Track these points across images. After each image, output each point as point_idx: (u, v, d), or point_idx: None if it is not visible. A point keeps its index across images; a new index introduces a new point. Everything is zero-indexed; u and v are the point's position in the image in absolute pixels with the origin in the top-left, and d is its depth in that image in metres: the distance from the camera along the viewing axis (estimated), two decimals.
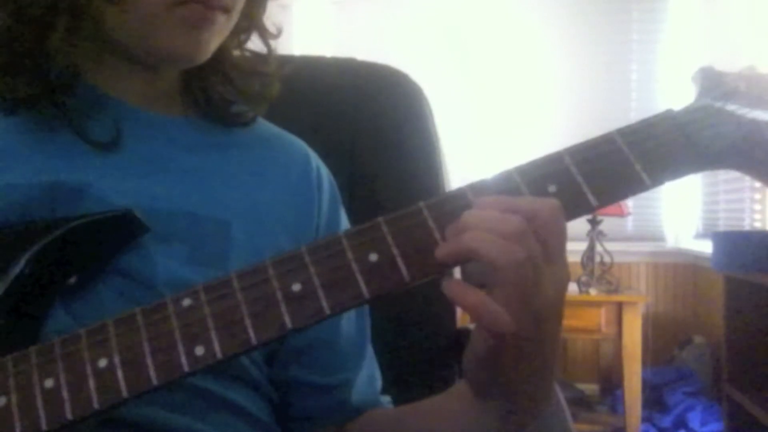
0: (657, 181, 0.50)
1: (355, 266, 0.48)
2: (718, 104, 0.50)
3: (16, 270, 0.55)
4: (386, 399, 0.76)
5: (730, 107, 0.50)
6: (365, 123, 0.95)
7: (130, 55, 0.64)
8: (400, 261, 0.49)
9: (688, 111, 0.51)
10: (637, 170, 0.49)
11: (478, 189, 0.50)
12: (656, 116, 0.51)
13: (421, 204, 0.50)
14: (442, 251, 0.48)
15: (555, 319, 0.50)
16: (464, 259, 0.47)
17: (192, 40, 0.62)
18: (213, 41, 0.64)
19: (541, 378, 0.53)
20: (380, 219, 0.50)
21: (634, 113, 3.68)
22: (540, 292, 0.47)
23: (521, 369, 0.51)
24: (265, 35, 0.73)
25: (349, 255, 0.49)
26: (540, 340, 0.49)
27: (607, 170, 0.50)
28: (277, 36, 0.74)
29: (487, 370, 0.52)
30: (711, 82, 0.52)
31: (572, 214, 0.49)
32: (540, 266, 0.47)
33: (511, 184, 0.50)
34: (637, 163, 0.49)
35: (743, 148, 0.50)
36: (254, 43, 0.74)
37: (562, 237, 0.48)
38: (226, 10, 0.63)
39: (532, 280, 0.46)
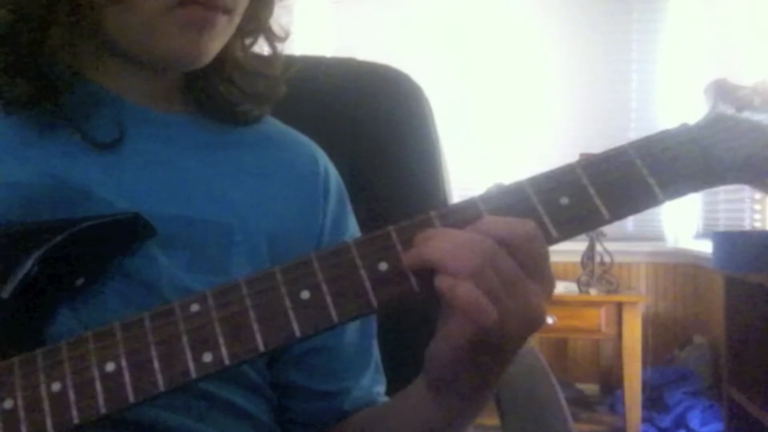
0: (670, 195, 0.49)
1: (364, 275, 0.48)
2: (733, 120, 0.50)
3: (23, 271, 0.55)
4: (382, 401, 0.75)
5: (746, 123, 0.50)
6: (365, 123, 0.95)
7: (131, 56, 0.64)
8: (408, 270, 0.49)
9: (703, 125, 0.51)
10: (651, 184, 0.49)
11: (488, 200, 0.50)
12: (670, 130, 0.51)
13: (432, 213, 0.50)
14: (406, 259, 0.49)
15: (530, 332, 0.50)
16: (427, 267, 0.48)
17: (192, 42, 0.62)
18: (214, 43, 0.63)
19: (497, 376, 0.54)
20: (390, 228, 0.50)
21: (633, 114, 3.68)
22: (524, 304, 0.47)
23: (487, 365, 0.52)
24: (271, 38, 0.73)
25: (358, 263, 0.49)
26: (525, 337, 0.50)
27: (620, 184, 0.49)
28: (284, 39, 0.74)
29: (454, 364, 0.51)
30: (725, 95, 0.52)
31: (585, 227, 0.49)
32: (519, 281, 0.47)
33: (522, 195, 0.49)
34: (651, 177, 0.49)
35: (759, 164, 0.49)
36: (259, 45, 0.74)
37: (540, 257, 0.48)
38: (227, 12, 0.62)
39: (500, 290, 0.46)
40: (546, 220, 0.49)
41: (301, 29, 3.77)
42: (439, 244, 0.48)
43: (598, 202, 0.49)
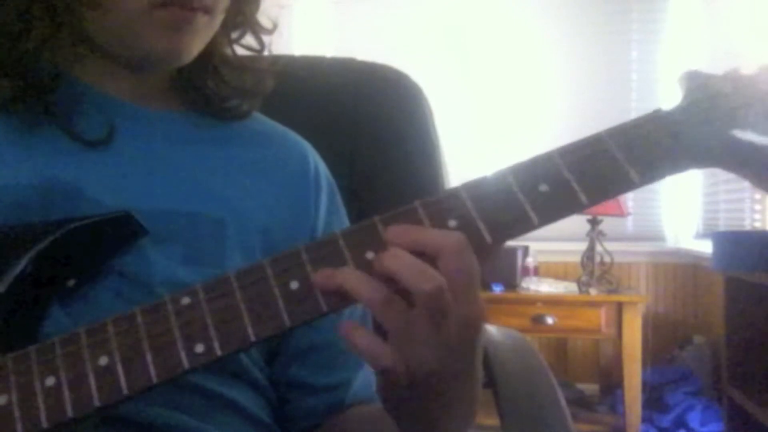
0: (645, 179, 0.50)
1: (351, 264, 0.49)
2: (704, 105, 0.51)
3: (15, 271, 0.55)
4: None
5: (716, 108, 0.51)
6: (365, 123, 0.95)
7: (113, 55, 0.64)
8: None
9: (675, 111, 0.52)
10: (626, 169, 0.50)
11: (471, 188, 0.51)
12: (644, 116, 0.52)
13: (417, 203, 0.50)
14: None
15: (467, 357, 0.50)
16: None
17: (172, 42, 0.62)
18: (195, 43, 0.64)
19: (458, 409, 0.53)
20: (376, 218, 0.50)
21: (634, 113, 3.59)
22: (442, 331, 0.47)
23: (432, 402, 0.51)
24: (257, 33, 0.73)
25: (346, 254, 0.49)
26: (451, 375, 0.50)
27: (596, 169, 0.50)
28: (271, 32, 0.74)
29: (396, 401, 0.52)
30: (697, 84, 0.53)
31: (565, 213, 0.50)
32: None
33: (503, 184, 0.50)
34: (626, 162, 0.50)
35: (729, 148, 0.50)
36: (251, 40, 0.74)
37: (468, 274, 0.47)
38: (208, 11, 0.62)
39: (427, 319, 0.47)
40: (527, 207, 0.50)
41: (301, 29, 3.77)
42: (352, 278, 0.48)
43: (576, 187, 0.50)
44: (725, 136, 0.50)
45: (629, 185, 0.50)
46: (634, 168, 0.50)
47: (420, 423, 0.54)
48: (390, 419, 0.58)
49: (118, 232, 0.59)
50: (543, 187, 0.50)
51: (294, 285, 0.49)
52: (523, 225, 0.50)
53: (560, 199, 0.50)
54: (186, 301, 0.50)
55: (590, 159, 0.51)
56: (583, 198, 0.50)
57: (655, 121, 0.52)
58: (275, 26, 0.74)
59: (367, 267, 0.49)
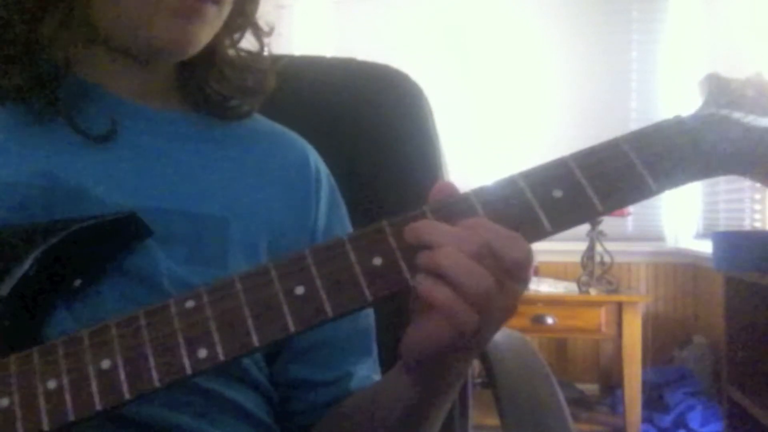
0: (663, 186, 0.49)
1: (358, 269, 0.48)
2: (725, 111, 0.50)
3: (20, 271, 0.55)
4: None
5: (737, 114, 0.50)
6: (365, 123, 0.95)
7: (122, 47, 0.65)
8: (402, 265, 0.49)
9: (695, 117, 0.51)
10: (643, 175, 0.49)
11: (481, 194, 0.50)
12: (663, 122, 0.51)
13: (425, 208, 0.50)
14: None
15: (503, 324, 0.51)
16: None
17: (181, 32, 0.62)
18: (203, 33, 0.64)
19: (472, 357, 0.55)
20: (384, 222, 0.50)
21: (634, 113, 3.68)
22: (504, 307, 0.49)
23: (459, 359, 0.53)
24: (258, 33, 0.74)
25: (352, 258, 0.49)
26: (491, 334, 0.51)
27: (612, 175, 0.49)
28: (269, 34, 0.75)
29: (429, 358, 0.51)
30: (718, 88, 0.52)
31: (579, 220, 0.49)
32: (503, 284, 0.48)
33: (515, 189, 0.50)
34: (643, 168, 0.49)
35: (750, 155, 0.49)
36: (250, 41, 0.75)
37: (526, 261, 0.48)
38: (216, 2, 0.63)
39: (484, 296, 0.47)
40: (540, 213, 0.49)
41: (302, 29, 3.77)
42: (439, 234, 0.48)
43: (590, 194, 0.49)
44: (746, 143, 0.49)
45: (646, 192, 0.49)
46: (651, 174, 0.49)
47: (437, 378, 0.55)
48: (389, 389, 0.60)
49: (122, 233, 0.59)
50: (557, 193, 0.49)
51: (299, 290, 0.48)
52: (536, 232, 0.49)
53: (574, 206, 0.49)
54: (190, 304, 0.49)
55: (606, 164, 0.49)
56: (598, 205, 0.49)
57: (675, 126, 0.51)
58: (272, 29, 0.75)
59: (373, 272, 0.48)
